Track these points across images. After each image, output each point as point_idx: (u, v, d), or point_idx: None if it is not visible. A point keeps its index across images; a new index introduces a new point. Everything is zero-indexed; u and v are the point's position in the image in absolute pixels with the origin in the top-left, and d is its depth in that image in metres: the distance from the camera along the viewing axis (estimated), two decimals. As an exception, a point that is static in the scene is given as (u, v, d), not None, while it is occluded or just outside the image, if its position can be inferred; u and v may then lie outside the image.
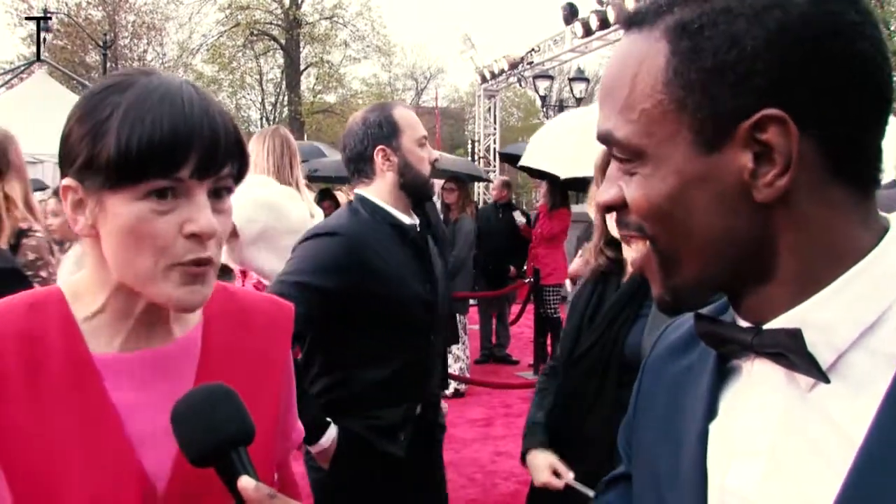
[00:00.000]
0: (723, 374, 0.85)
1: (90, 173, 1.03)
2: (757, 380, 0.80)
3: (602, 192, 0.84)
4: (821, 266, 0.74)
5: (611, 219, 2.34)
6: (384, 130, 2.54)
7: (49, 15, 23.42)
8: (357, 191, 2.63)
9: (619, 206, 0.82)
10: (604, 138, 0.81)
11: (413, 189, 2.57)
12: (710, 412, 0.84)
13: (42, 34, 20.65)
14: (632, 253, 2.29)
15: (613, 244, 2.40)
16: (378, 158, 2.54)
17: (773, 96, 0.71)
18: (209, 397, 0.98)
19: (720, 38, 0.72)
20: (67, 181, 1.05)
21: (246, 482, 0.92)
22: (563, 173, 7.41)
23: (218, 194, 1.08)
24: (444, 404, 2.98)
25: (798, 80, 0.71)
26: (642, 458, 0.96)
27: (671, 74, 0.74)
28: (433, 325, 2.63)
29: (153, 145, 0.99)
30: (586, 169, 6.51)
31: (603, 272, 2.42)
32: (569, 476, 2.23)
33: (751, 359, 0.80)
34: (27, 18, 21.02)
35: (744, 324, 0.80)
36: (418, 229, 2.61)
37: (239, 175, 1.10)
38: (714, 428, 0.83)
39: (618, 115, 0.78)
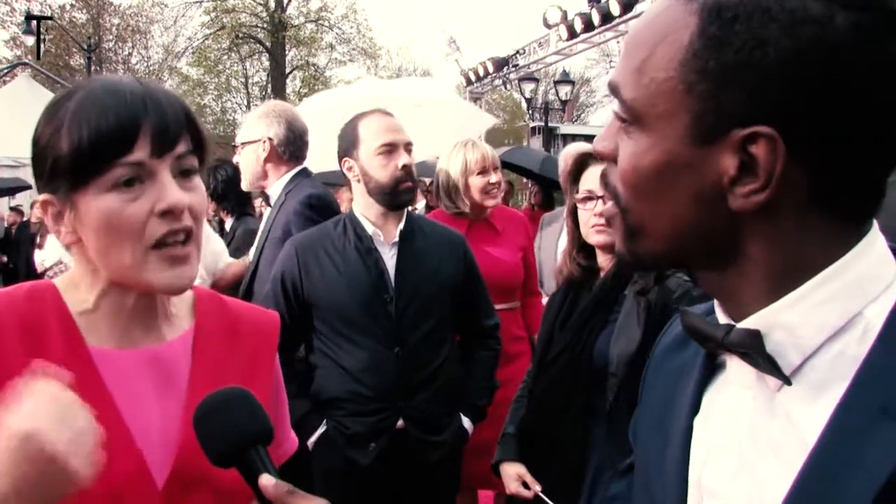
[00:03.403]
0: (711, 371, 0.85)
1: (57, 179, 1.08)
2: (732, 377, 0.81)
3: (600, 140, 0.83)
4: (792, 273, 0.73)
5: (585, 225, 2.33)
6: (347, 142, 2.70)
7: (49, 16, 23.23)
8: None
9: (608, 159, 0.82)
10: (612, 89, 0.80)
11: (379, 196, 2.67)
12: (696, 408, 0.85)
13: (26, 36, 20.53)
14: (600, 238, 2.30)
15: (586, 250, 2.40)
16: (344, 169, 2.71)
17: (776, 114, 0.68)
18: (229, 400, 1.01)
19: (748, 36, 0.68)
20: (43, 196, 1.10)
21: (266, 480, 0.94)
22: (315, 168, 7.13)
23: (185, 175, 1.12)
24: (467, 424, 2.80)
25: (807, 108, 0.68)
26: (639, 449, 0.97)
27: (690, 55, 0.72)
28: (396, 337, 2.63)
29: (101, 132, 1.05)
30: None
31: (574, 280, 2.42)
32: (536, 488, 2.30)
33: (731, 356, 0.80)
34: (27, 18, 20.83)
35: (723, 320, 0.80)
36: (396, 238, 2.69)
37: (199, 154, 1.14)
38: (697, 424, 0.84)
39: (630, 73, 0.77)
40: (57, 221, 1.11)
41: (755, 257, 0.74)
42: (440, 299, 2.73)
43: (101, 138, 1.05)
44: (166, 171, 1.09)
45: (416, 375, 2.65)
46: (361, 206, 2.72)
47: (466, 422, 2.78)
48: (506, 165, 13.20)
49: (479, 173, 3.51)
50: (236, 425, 0.99)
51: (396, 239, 2.69)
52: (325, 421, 2.64)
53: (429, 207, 8.49)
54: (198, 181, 1.15)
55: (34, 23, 20.01)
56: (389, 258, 2.68)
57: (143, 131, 1.07)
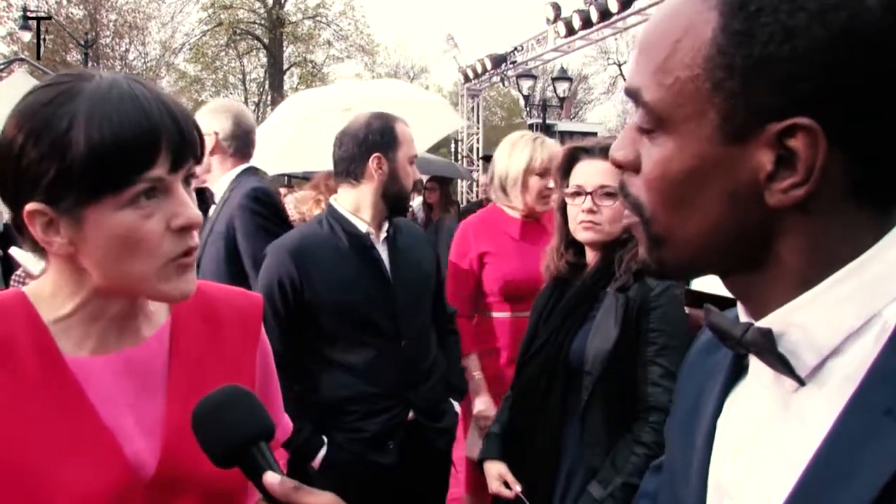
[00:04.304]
0: (737, 373, 0.84)
1: (62, 191, 1.00)
2: (752, 377, 0.80)
3: (617, 149, 0.79)
4: (820, 268, 0.71)
5: (573, 221, 2.31)
6: (384, 139, 2.66)
7: (48, 16, 23.17)
8: (333, 197, 2.77)
9: (628, 168, 0.78)
10: (632, 94, 0.76)
11: (394, 200, 2.70)
12: (720, 409, 0.83)
13: (23, 32, 20.49)
14: (587, 235, 2.28)
15: (575, 246, 2.37)
16: (372, 164, 2.65)
17: (812, 104, 0.66)
18: (226, 399, 0.99)
19: (776, 28, 0.66)
20: (33, 206, 1.02)
21: (271, 477, 0.93)
22: (272, 169, 7.13)
23: (187, 182, 1.09)
24: (457, 407, 2.90)
25: (844, 95, 0.66)
26: (669, 450, 0.96)
27: (715, 51, 0.69)
28: (401, 331, 2.67)
29: (127, 147, 0.99)
30: (293, 165, 5.80)
31: (562, 275, 2.40)
32: (517, 488, 2.29)
33: (752, 355, 0.78)
34: (28, 19, 20.80)
35: (744, 319, 0.78)
36: (385, 235, 2.72)
37: (197, 160, 1.11)
38: (719, 425, 0.83)
39: (651, 75, 0.74)
40: (47, 232, 1.03)
41: (784, 254, 0.72)
42: (427, 290, 2.84)
43: (125, 151, 0.99)
44: (180, 185, 1.06)
45: (420, 367, 2.73)
46: (356, 205, 2.70)
47: (456, 405, 2.90)
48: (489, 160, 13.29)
49: (539, 174, 3.22)
50: (236, 425, 0.97)
51: (384, 236, 2.73)
52: (324, 441, 2.61)
53: (427, 206, 8.51)
54: (191, 188, 1.12)
55: (30, 21, 19.97)
56: (383, 255, 2.72)
57: (164, 145, 1.02)
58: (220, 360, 1.21)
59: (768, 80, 0.67)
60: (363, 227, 2.68)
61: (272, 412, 1.33)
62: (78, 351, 1.11)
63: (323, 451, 2.59)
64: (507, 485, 2.32)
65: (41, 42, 18.35)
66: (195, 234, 1.08)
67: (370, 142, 2.65)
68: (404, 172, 2.69)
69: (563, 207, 2.37)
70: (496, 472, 2.36)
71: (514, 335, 3.14)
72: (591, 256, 2.33)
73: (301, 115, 5.79)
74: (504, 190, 3.30)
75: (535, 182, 3.23)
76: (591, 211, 2.24)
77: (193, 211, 1.07)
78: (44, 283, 1.13)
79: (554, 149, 3.25)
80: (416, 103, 5.87)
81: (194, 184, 1.12)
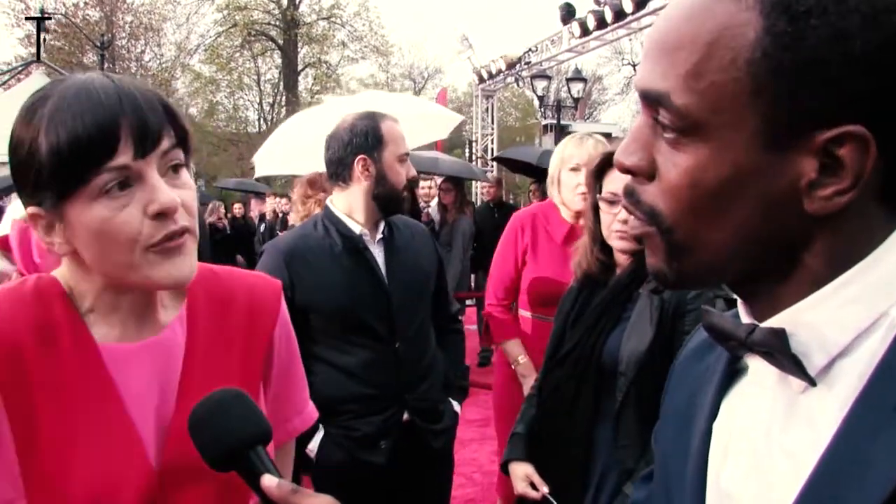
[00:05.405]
0: (732, 375, 0.82)
1: (42, 192, 1.04)
2: (753, 378, 0.78)
3: (626, 153, 0.75)
4: (836, 271, 0.69)
5: (607, 227, 2.28)
6: (368, 141, 2.64)
7: (48, 15, 23.35)
8: (329, 198, 2.77)
9: (640, 175, 0.75)
10: (653, 98, 0.72)
11: (385, 201, 2.67)
12: (715, 412, 0.82)
13: (40, 34, 20.63)
14: (622, 244, 2.26)
15: (605, 246, 2.35)
16: (357, 166, 2.64)
17: (864, 110, 0.64)
18: (222, 402, 0.99)
19: (826, 30, 0.63)
20: (31, 209, 1.06)
21: (269, 481, 0.93)
22: (261, 171, 7.23)
23: (174, 170, 1.09)
24: (457, 407, 2.89)
25: (892, 99, 0.64)
26: (660, 456, 0.94)
27: (759, 55, 0.65)
28: (396, 333, 2.66)
29: (79, 139, 1.00)
30: (281, 168, 6.17)
31: (591, 275, 2.38)
32: (543, 489, 2.27)
33: (753, 357, 0.76)
34: (27, 18, 20.99)
35: (747, 319, 0.76)
36: (380, 236, 2.70)
37: (184, 146, 1.10)
38: (716, 427, 0.81)
39: (680, 78, 0.69)
40: (48, 233, 1.07)
41: (808, 258, 0.70)
42: (425, 290, 2.81)
43: (80, 145, 1.00)
44: (153, 171, 1.05)
45: (417, 368, 2.71)
46: (349, 207, 2.69)
47: (456, 405, 2.87)
48: (503, 161, 13.24)
49: (572, 169, 3.14)
50: (231, 430, 0.97)
51: (380, 236, 2.71)
52: (321, 428, 2.61)
53: (443, 206, 8.51)
54: (185, 175, 1.10)
55: (45, 22, 20.10)
56: (378, 256, 2.70)
57: (123, 132, 1.02)
58: (233, 347, 1.21)
59: (817, 83, 0.64)
60: (357, 229, 2.66)
61: (295, 398, 1.34)
62: (107, 339, 1.13)
63: (320, 435, 2.59)
64: (533, 486, 2.30)
65: (41, 42, 18.48)
66: (179, 217, 1.07)
67: (355, 144, 2.64)
68: (393, 172, 2.65)
69: (595, 206, 2.35)
70: (522, 473, 2.33)
71: (532, 335, 3.17)
72: (621, 258, 2.31)
73: (308, 121, 5.91)
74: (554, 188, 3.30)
75: (566, 177, 3.19)
76: (627, 221, 2.20)
77: (167, 196, 1.05)
78: (69, 277, 1.14)
79: (590, 145, 3.18)
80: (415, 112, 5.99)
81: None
